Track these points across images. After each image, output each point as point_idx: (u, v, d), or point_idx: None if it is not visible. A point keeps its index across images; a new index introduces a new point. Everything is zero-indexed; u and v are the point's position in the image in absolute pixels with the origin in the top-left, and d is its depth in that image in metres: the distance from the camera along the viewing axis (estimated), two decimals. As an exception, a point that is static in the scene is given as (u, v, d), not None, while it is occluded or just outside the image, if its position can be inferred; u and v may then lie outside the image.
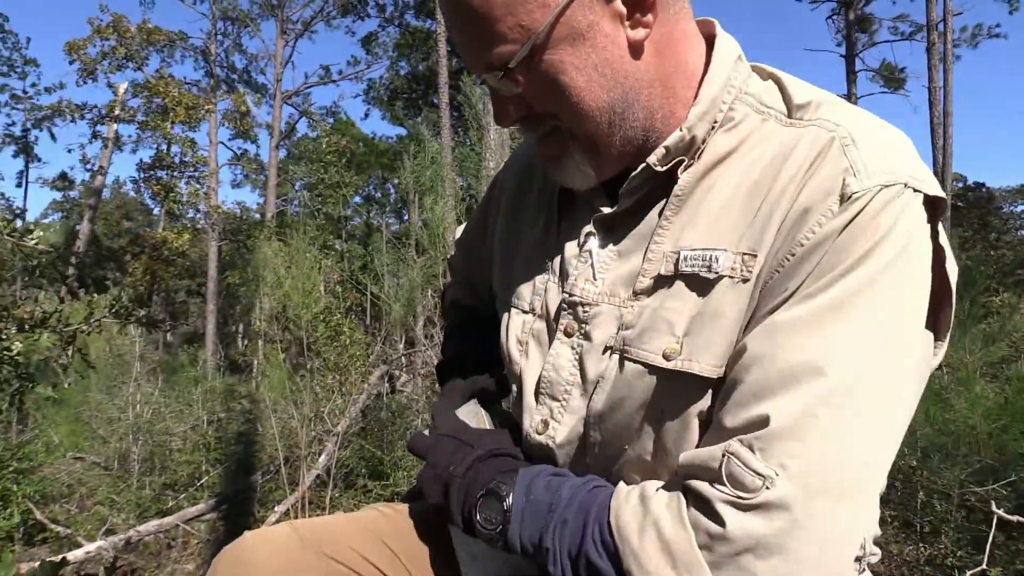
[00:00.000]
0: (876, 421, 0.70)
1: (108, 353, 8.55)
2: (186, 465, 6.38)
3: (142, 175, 21.65)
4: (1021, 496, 3.71)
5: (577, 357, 0.90)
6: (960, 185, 27.23)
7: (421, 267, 6.59)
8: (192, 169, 21.10)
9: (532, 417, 0.95)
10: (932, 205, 0.76)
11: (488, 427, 1.02)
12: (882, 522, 4.15)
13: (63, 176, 28.07)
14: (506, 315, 1.04)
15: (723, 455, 0.71)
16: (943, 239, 0.78)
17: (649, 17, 0.82)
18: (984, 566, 2.67)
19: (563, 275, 0.95)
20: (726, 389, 0.76)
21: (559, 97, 0.84)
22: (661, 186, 0.87)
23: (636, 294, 0.86)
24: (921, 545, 3.96)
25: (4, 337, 3.33)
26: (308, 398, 5.78)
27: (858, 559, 0.91)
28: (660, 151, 0.86)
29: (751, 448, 0.69)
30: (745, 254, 0.78)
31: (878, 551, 0.95)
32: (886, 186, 0.73)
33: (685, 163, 0.86)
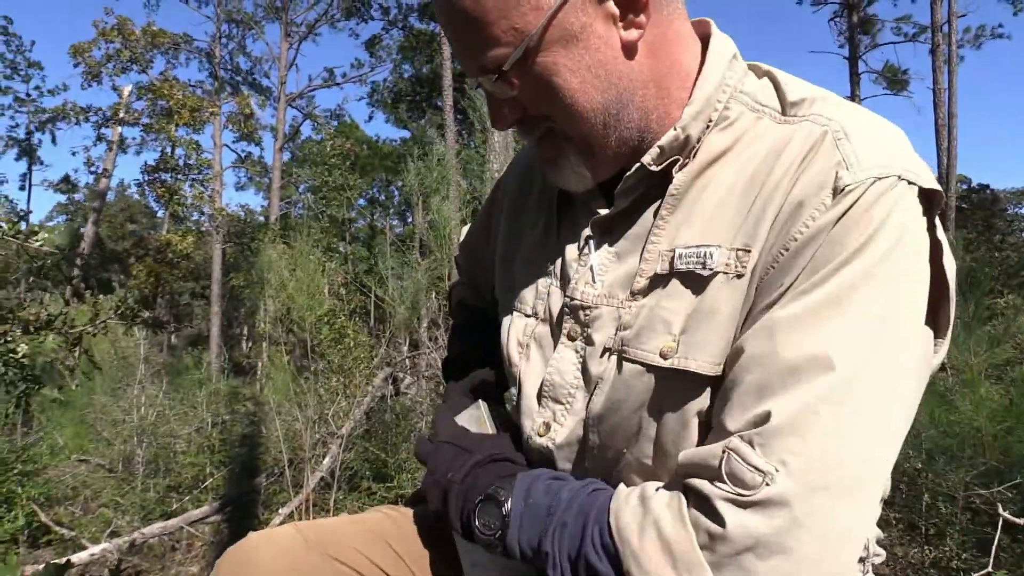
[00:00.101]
0: (876, 418, 0.69)
1: (113, 355, 8.56)
2: (190, 467, 6.39)
3: (146, 178, 21.70)
4: (1026, 498, 3.70)
5: (580, 360, 0.90)
6: (964, 187, 27.18)
7: (425, 269, 6.59)
8: (196, 172, 21.14)
9: (534, 420, 0.95)
10: (927, 198, 0.76)
11: (489, 431, 1.02)
12: (887, 524, 4.14)
13: (67, 179, 28.10)
14: (508, 317, 1.04)
15: (723, 452, 0.70)
16: (940, 233, 0.78)
17: (642, 18, 0.82)
18: (990, 569, 2.66)
19: (564, 279, 0.96)
20: (726, 390, 0.75)
21: (553, 99, 0.84)
22: (656, 186, 0.88)
23: (633, 294, 0.86)
24: (926, 548, 3.95)
25: (9, 339, 3.34)
26: (312, 400, 5.78)
27: (862, 559, 0.91)
28: (655, 151, 0.86)
29: (751, 444, 0.69)
30: (739, 250, 0.78)
31: (883, 552, 0.95)
32: (879, 178, 0.73)
33: (680, 162, 0.86)
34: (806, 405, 0.68)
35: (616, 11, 0.81)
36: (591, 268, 0.91)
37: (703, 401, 0.79)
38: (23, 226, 3.51)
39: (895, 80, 23.79)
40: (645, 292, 0.85)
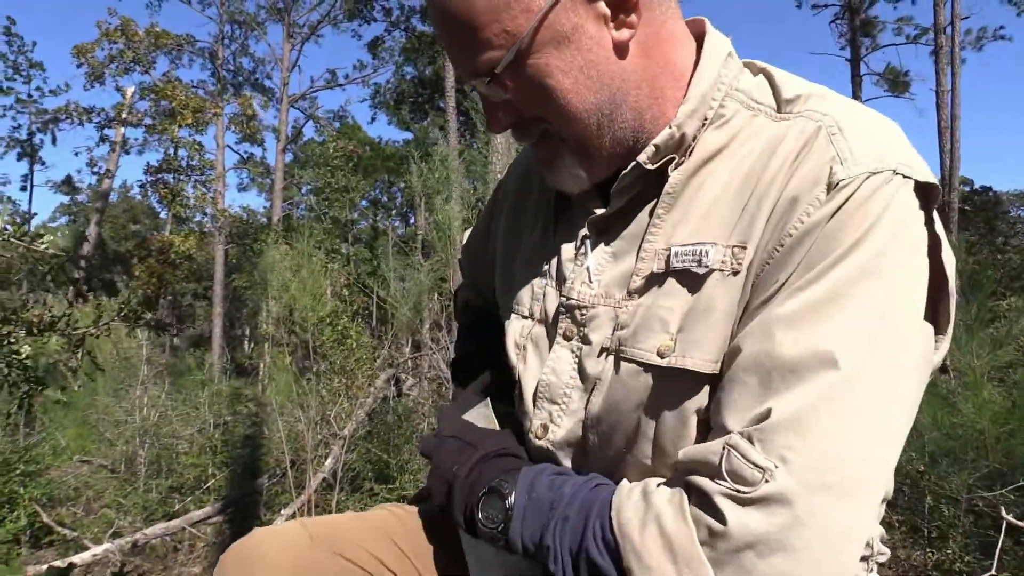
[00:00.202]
0: (877, 414, 0.69)
1: (115, 356, 8.57)
2: (192, 468, 6.39)
3: (149, 179, 21.73)
4: (1029, 501, 3.69)
5: (577, 360, 0.90)
6: (967, 189, 27.14)
7: (428, 271, 6.59)
8: (199, 173, 21.18)
9: (532, 422, 0.95)
10: (924, 192, 0.75)
11: (495, 428, 1.02)
12: (889, 527, 4.13)
13: (69, 180, 28.14)
14: (507, 319, 1.04)
15: (723, 448, 0.70)
16: (938, 227, 0.77)
17: (633, 18, 0.82)
18: (993, 572, 2.65)
19: (560, 279, 0.95)
20: (724, 389, 0.75)
21: (546, 100, 0.84)
22: (652, 185, 0.87)
23: (630, 294, 0.86)
24: (929, 550, 3.95)
25: (13, 340, 3.34)
26: (314, 401, 5.78)
27: (865, 558, 0.90)
28: (650, 149, 0.86)
29: (751, 440, 0.69)
30: (735, 246, 0.78)
31: (887, 551, 0.94)
32: (874, 173, 0.72)
33: (676, 161, 0.86)
34: (806, 402, 0.68)
35: (607, 11, 0.81)
36: (588, 268, 0.92)
37: (701, 399, 0.79)
38: (28, 228, 3.52)
39: (896, 82, 23.77)
40: (642, 291, 0.85)
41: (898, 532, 4.21)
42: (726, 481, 0.68)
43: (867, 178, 0.72)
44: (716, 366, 0.77)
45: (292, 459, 5.61)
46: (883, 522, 0.96)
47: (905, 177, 0.74)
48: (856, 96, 21.36)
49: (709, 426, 0.77)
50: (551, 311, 0.96)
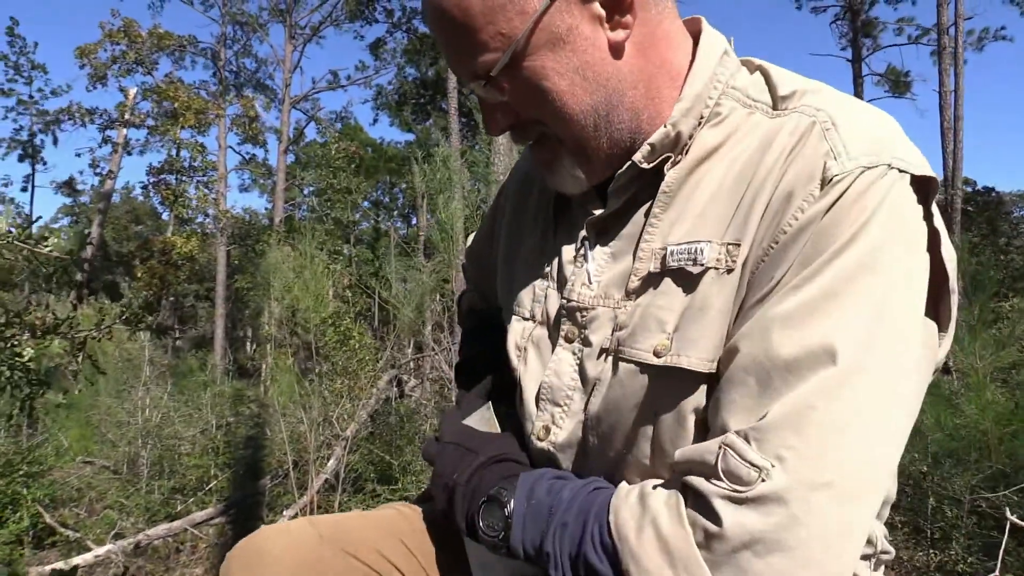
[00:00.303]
0: (876, 411, 0.68)
1: (118, 357, 8.58)
2: (195, 469, 6.38)
3: (151, 180, 21.77)
4: (1033, 502, 3.68)
5: (578, 362, 0.90)
6: (969, 189, 27.09)
7: (430, 272, 6.59)
8: (201, 174, 21.21)
9: (534, 424, 0.94)
10: (922, 186, 0.75)
11: (497, 431, 1.02)
12: (892, 527, 4.13)
13: (71, 182, 28.15)
14: (508, 322, 1.04)
15: (719, 448, 0.70)
16: (937, 221, 0.76)
17: (628, 18, 0.82)
18: (996, 573, 2.65)
19: (561, 281, 0.95)
20: (721, 389, 0.75)
21: (543, 102, 0.84)
22: (649, 184, 0.87)
23: (628, 294, 0.86)
24: (932, 551, 3.94)
25: (16, 343, 3.35)
26: (317, 402, 5.78)
27: (867, 557, 0.90)
28: (645, 148, 0.86)
29: (747, 439, 0.68)
30: (729, 244, 0.78)
31: (891, 550, 0.94)
32: (868, 168, 0.72)
33: (672, 160, 0.85)
34: (803, 401, 0.67)
35: (602, 12, 0.81)
36: (588, 269, 0.91)
37: (699, 399, 0.78)
38: (33, 230, 3.53)
39: (898, 83, 23.76)
40: (639, 291, 0.85)
41: (901, 533, 4.20)
42: (722, 481, 0.68)
43: (861, 173, 0.72)
44: (712, 365, 0.77)
45: (294, 460, 5.61)
46: (886, 523, 0.96)
47: (901, 171, 0.73)
48: (858, 97, 21.31)
49: (707, 426, 0.77)
50: (552, 313, 0.96)
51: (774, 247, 0.74)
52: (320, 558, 0.97)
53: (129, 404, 7.33)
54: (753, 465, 0.67)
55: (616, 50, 0.83)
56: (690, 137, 0.86)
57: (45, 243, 3.46)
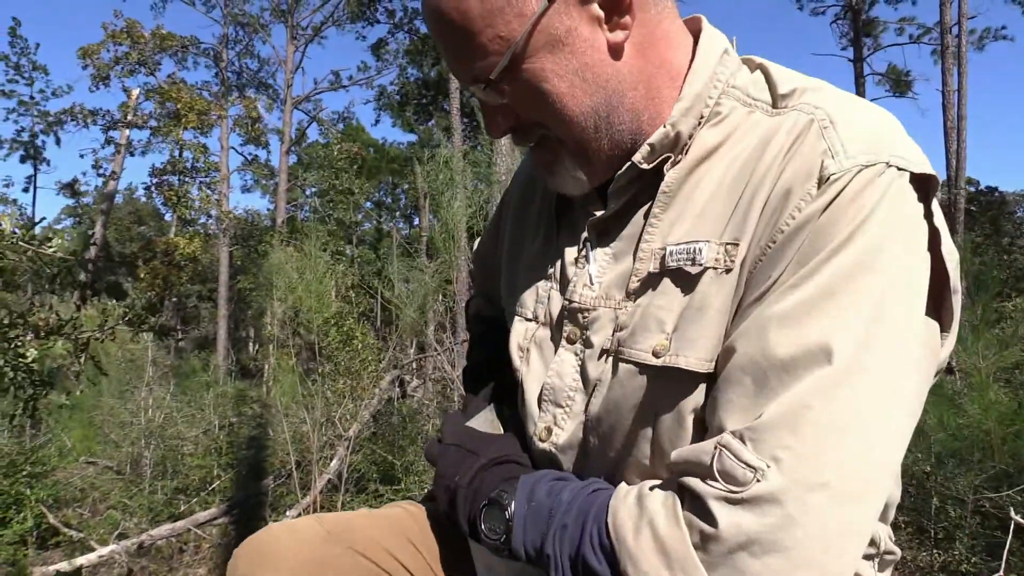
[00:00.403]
0: (874, 411, 0.68)
1: (121, 358, 8.59)
2: (198, 469, 6.40)
3: (154, 180, 21.80)
4: (1036, 502, 3.68)
5: (580, 363, 0.90)
6: (972, 189, 27.05)
7: (432, 272, 6.59)
8: (204, 175, 21.24)
9: (536, 424, 0.94)
10: (921, 184, 0.74)
11: (499, 432, 1.02)
12: (895, 528, 4.12)
13: (72, 185, 28.14)
14: (510, 323, 1.04)
15: (715, 448, 0.69)
16: (938, 220, 0.75)
17: (627, 19, 0.82)
18: (1000, 573, 2.64)
19: (563, 282, 0.95)
20: (718, 389, 0.75)
21: (543, 104, 0.84)
22: (650, 185, 0.87)
23: (629, 295, 0.86)
24: (935, 551, 3.93)
25: (19, 344, 3.35)
26: (320, 403, 5.78)
27: (870, 557, 0.90)
28: (645, 148, 0.85)
29: (743, 439, 0.68)
30: (728, 244, 0.77)
31: (897, 551, 0.94)
32: (866, 166, 0.71)
33: (672, 160, 0.85)
34: (799, 400, 0.67)
35: (601, 13, 0.81)
36: (589, 270, 0.91)
37: (697, 399, 0.78)
38: (36, 231, 3.54)
39: (899, 82, 23.73)
40: (639, 292, 0.85)
41: (904, 533, 4.19)
42: (718, 481, 0.68)
43: (859, 171, 0.71)
44: (710, 365, 0.76)
45: (297, 460, 5.61)
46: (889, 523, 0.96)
47: (900, 169, 0.72)
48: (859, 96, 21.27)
49: (706, 426, 0.77)
50: (555, 314, 0.96)
51: (772, 246, 0.74)
52: (327, 556, 0.97)
53: (132, 404, 7.34)
54: (748, 466, 0.66)
55: (615, 51, 0.83)
56: (690, 137, 0.85)
57: (49, 244, 3.46)
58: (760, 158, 0.78)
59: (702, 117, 0.85)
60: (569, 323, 0.92)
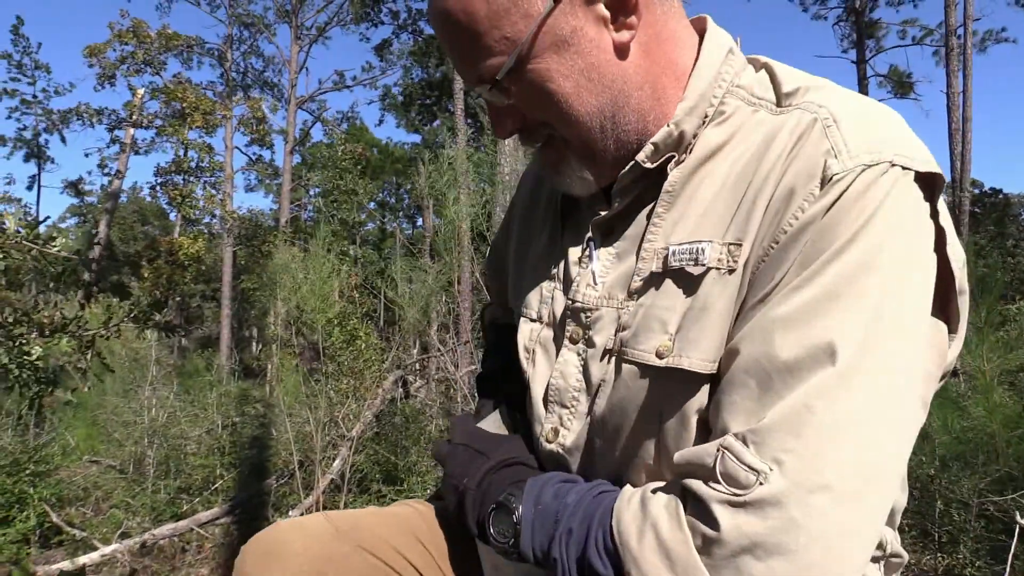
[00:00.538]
0: (877, 413, 0.67)
1: (124, 357, 8.59)
2: (201, 469, 6.39)
3: (159, 180, 21.83)
4: (1041, 506, 3.66)
5: (582, 363, 0.90)
6: (977, 191, 27.00)
7: (436, 272, 6.60)
8: (209, 174, 21.26)
9: (542, 426, 0.94)
10: (927, 183, 0.74)
11: (506, 433, 1.02)
12: (899, 531, 4.09)
13: (76, 184, 28.19)
14: (516, 324, 1.04)
15: (717, 450, 0.69)
16: (944, 220, 0.75)
17: (633, 19, 0.82)
18: (1004, 577, 2.63)
19: (567, 282, 0.95)
20: (721, 391, 0.74)
21: (549, 105, 0.84)
22: (654, 184, 0.87)
23: (631, 294, 0.86)
24: (939, 555, 3.92)
25: (24, 342, 3.36)
26: (323, 403, 5.78)
27: (876, 559, 0.90)
28: (648, 148, 0.85)
29: (745, 442, 0.68)
30: (731, 244, 0.77)
31: (904, 555, 0.93)
32: (869, 166, 0.71)
33: (676, 159, 0.85)
34: (801, 402, 0.66)
35: (607, 13, 0.81)
36: (592, 270, 0.91)
37: (701, 399, 0.78)
38: (41, 230, 3.54)
39: (901, 83, 23.71)
40: (642, 292, 0.85)
41: (908, 536, 4.18)
42: (720, 484, 0.68)
43: (862, 171, 0.71)
44: (713, 366, 0.76)
45: (300, 460, 5.61)
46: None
47: (904, 168, 0.72)
48: (865, 98, 21.22)
49: (709, 427, 0.77)
50: (559, 314, 0.96)
51: (775, 247, 0.73)
52: (335, 553, 0.97)
53: (135, 404, 7.34)
54: (751, 468, 0.66)
55: (621, 51, 0.83)
56: (694, 136, 0.85)
57: (53, 243, 3.47)
58: (763, 157, 0.78)
59: (706, 116, 0.85)
60: (572, 323, 0.92)
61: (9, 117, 23.74)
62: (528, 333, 1.00)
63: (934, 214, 0.74)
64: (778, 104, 0.82)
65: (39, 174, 27.32)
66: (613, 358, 0.85)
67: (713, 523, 0.66)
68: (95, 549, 4.74)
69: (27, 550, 4.84)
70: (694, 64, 0.88)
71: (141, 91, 21.79)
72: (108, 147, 22.76)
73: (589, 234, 0.93)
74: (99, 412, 7.66)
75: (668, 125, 0.84)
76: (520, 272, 1.10)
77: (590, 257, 0.92)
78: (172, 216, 31.64)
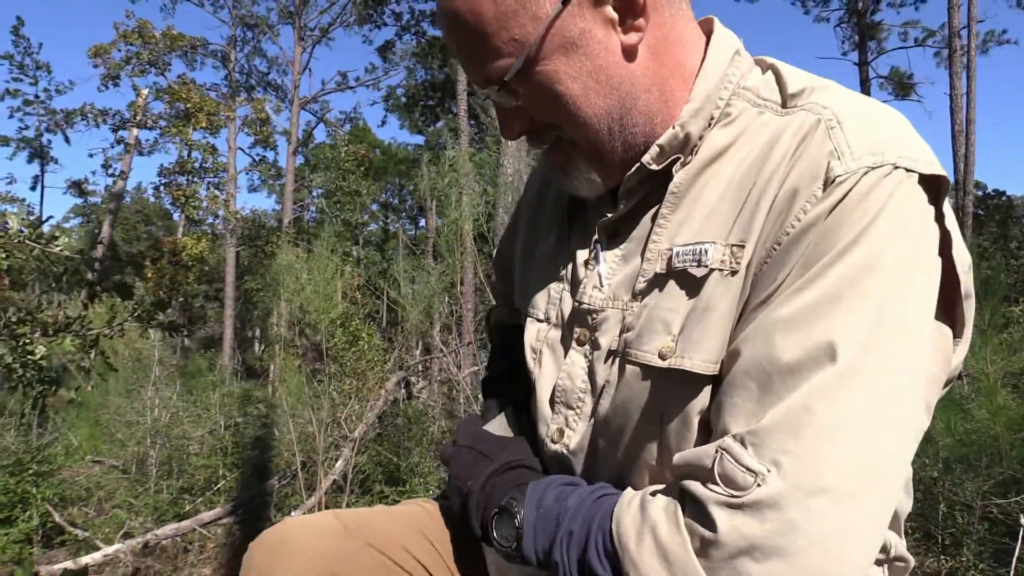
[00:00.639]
0: (878, 416, 0.67)
1: (127, 357, 8.60)
2: (203, 469, 6.40)
3: (162, 180, 21.85)
4: (1045, 509, 3.66)
5: (588, 364, 0.90)
6: (980, 193, 26.96)
7: (439, 273, 6.60)
8: (212, 175, 21.28)
9: (548, 426, 0.94)
10: (931, 185, 0.73)
11: (511, 435, 1.02)
12: (903, 533, 4.09)
13: (79, 185, 28.21)
14: (524, 323, 1.04)
15: (716, 452, 0.69)
16: (949, 222, 0.75)
17: (641, 21, 0.82)
18: (1008, 580, 2.63)
19: (574, 283, 0.95)
20: (723, 393, 0.74)
21: (557, 107, 0.84)
22: (660, 186, 0.87)
23: (635, 296, 0.86)
24: (943, 557, 3.92)
25: (28, 341, 3.36)
26: (325, 403, 5.79)
27: (880, 563, 0.89)
28: (654, 149, 0.85)
29: (743, 443, 0.68)
30: (734, 246, 0.77)
31: (911, 559, 0.93)
32: (873, 167, 0.71)
33: (681, 161, 0.85)
34: (801, 404, 0.66)
35: (615, 16, 0.81)
36: (599, 272, 0.91)
37: (703, 401, 0.78)
38: (44, 230, 3.55)
39: (903, 85, 23.69)
40: (646, 293, 0.85)
41: (911, 539, 4.17)
42: (718, 486, 0.67)
43: (865, 173, 0.70)
44: (715, 367, 0.76)
45: (303, 461, 5.62)
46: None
47: (908, 170, 0.72)
48: (868, 100, 21.19)
49: (711, 428, 0.77)
50: (567, 315, 0.96)
51: (777, 248, 0.73)
52: (343, 550, 0.97)
53: (138, 404, 7.35)
54: (749, 470, 0.66)
55: (629, 53, 0.83)
56: (700, 138, 0.85)
57: (55, 243, 3.47)
58: (768, 158, 0.78)
59: (712, 118, 0.85)
60: (579, 324, 0.92)
61: (11, 117, 23.79)
62: (535, 333, 1.00)
63: (939, 217, 0.74)
64: (783, 105, 0.82)
65: (42, 174, 27.37)
66: (617, 359, 0.85)
67: (711, 525, 0.66)
68: (98, 549, 4.75)
69: (30, 550, 4.85)
70: (700, 66, 0.88)
71: (145, 91, 21.81)
72: (112, 147, 22.77)
73: (596, 236, 0.93)
74: (102, 412, 7.67)
75: (674, 127, 0.84)
76: (527, 273, 1.10)
77: (596, 259, 0.92)
78: (176, 216, 31.72)
